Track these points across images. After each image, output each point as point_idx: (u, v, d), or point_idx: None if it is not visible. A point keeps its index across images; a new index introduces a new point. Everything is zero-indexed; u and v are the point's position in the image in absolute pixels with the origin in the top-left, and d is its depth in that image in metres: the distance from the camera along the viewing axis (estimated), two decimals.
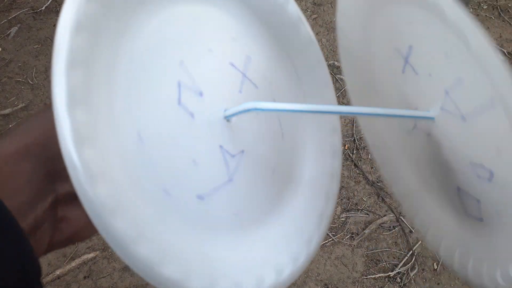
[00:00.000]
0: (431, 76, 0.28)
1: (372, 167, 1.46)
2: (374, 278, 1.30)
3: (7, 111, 1.43)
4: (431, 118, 0.28)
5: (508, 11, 1.89)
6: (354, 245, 1.34)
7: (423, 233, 0.34)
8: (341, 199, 1.40)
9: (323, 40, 1.71)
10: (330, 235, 1.33)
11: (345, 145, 1.49)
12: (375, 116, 0.30)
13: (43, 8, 1.64)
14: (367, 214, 1.39)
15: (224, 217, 0.26)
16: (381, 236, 1.36)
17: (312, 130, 0.35)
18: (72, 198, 0.24)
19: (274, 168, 0.31)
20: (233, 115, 0.27)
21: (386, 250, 1.34)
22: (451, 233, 0.31)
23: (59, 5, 1.67)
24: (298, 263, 0.28)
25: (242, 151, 0.29)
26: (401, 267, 1.31)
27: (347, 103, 1.60)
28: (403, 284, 1.29)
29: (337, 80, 1.61)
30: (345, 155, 1.47)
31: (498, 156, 0.24)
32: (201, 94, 0.26)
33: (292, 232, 0.30)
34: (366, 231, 1.35)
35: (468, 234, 0.29)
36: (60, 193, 0.23)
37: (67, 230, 0.24)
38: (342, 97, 1.58)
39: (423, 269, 1.32)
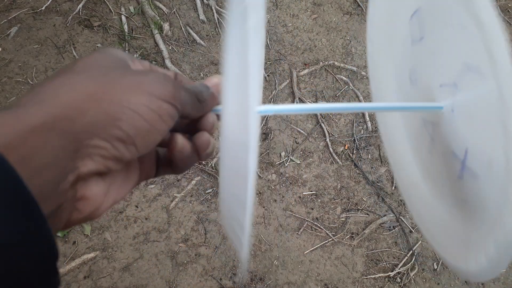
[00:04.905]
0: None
1: (372, 167, 1.46)
2: (374, 278, 1.30)
3: None
4: (440, 108, 0.28)
5: (508, 11, 1.89)
6: (354, 245, 1.34)
7: (418, 224, 0.35)
8: (341, 199, 1.40)
9: (323, 40, 1.71)
10: (330, 235, 1.33)
11: (345, 145, 1.49)
12: (388, 110, 0.31)
13: (43, 8, 1.64)
14: (367, 214, 1.38)
15: None
16: (381, 236, 1.36)
17: None
18: (92, 176, 0.23)
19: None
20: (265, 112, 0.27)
21: (386, 250, 1.34)
22: (444, 225, 0.32)
23: (59, 5, 1.67)
24: None
25: None
26: (401, 267, 1.31)
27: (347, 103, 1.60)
28: (403, 284, 1.29)
29: (337, 80, 1.61)
30: (345, 155, 1.47)
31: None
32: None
33: None
34: (366, 231, 1.35)
35: (459, 226, 0.30)
36: (82, 172, 0.22)
37: (85, 209, 0.23)
38: (342, 97, 1.58)
39: (423, 269, 1.32)
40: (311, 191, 1.40)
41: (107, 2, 1.70)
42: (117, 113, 0.22)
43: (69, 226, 0.23)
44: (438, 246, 0.32)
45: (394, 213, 1.39)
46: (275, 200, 1.37)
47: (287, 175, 1.42)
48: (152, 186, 1.35)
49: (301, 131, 1.50)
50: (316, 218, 1.36)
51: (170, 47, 1.64)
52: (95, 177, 0.23)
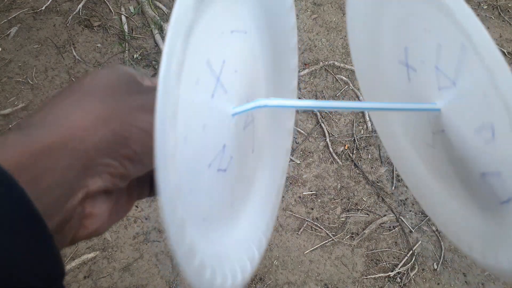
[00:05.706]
0: (424, 64, 0.29)
1: (372, 167, 1.46)
2: (374, 278, 1.30)
3: (7, 111, 1.43)
4: (437, 110, 0.28)
5: (508, 11, 1.89)
6: (354, 245, 1.34)
7: (443, 231, 0.34)
8: (341, 199, 1.40)
9: (323, 40, 1.71)
10: (330, 235, 1.33)
11: (345, 145, 1.49)
12: (384, 111, 0.31)
13: (43, 8, 1.64)
14: (367, 214, 1.38)
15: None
16: (381, 236, 1.36)
17: (270, 134, 0.38)
18: (100, 194, 0.24)
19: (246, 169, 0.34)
20: (241, 112, 0.27)
21: (386, 250, 1.34)
22: (472, 228, 0.31)
23: (59, 5, 1.67)
24: (263, 244, 0.33)
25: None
26: (401, 267, 1.31)
27: None
28: (403, 284, 1.29)
29: (337, 80, 1.61)
30: (345, 155, 1.47)
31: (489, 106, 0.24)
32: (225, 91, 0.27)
33: (257, 220, 0.34)
34: (366, 231, 1.35)
35: (490, 224, 0.28)
36: (91, 189, 0.23)
37: (91, 226, 0.24)
38: (342, 97, 1.58)
39: (423, 269, 1.32)
40: (311, 191, 1.40)
41: (107, 2, 1.70)
42: (126, 132, 0.23)
43: (74, 242, 0.24)
44: (457, 241, 0.31)
45: (394, 213, 1.39)
46: None
47: (287, 175, 1.41)
48: None
49: (301, 131, 1.50)
50: (316, 218, 1.36)
51: None
52: (102, 195, 0.24)
